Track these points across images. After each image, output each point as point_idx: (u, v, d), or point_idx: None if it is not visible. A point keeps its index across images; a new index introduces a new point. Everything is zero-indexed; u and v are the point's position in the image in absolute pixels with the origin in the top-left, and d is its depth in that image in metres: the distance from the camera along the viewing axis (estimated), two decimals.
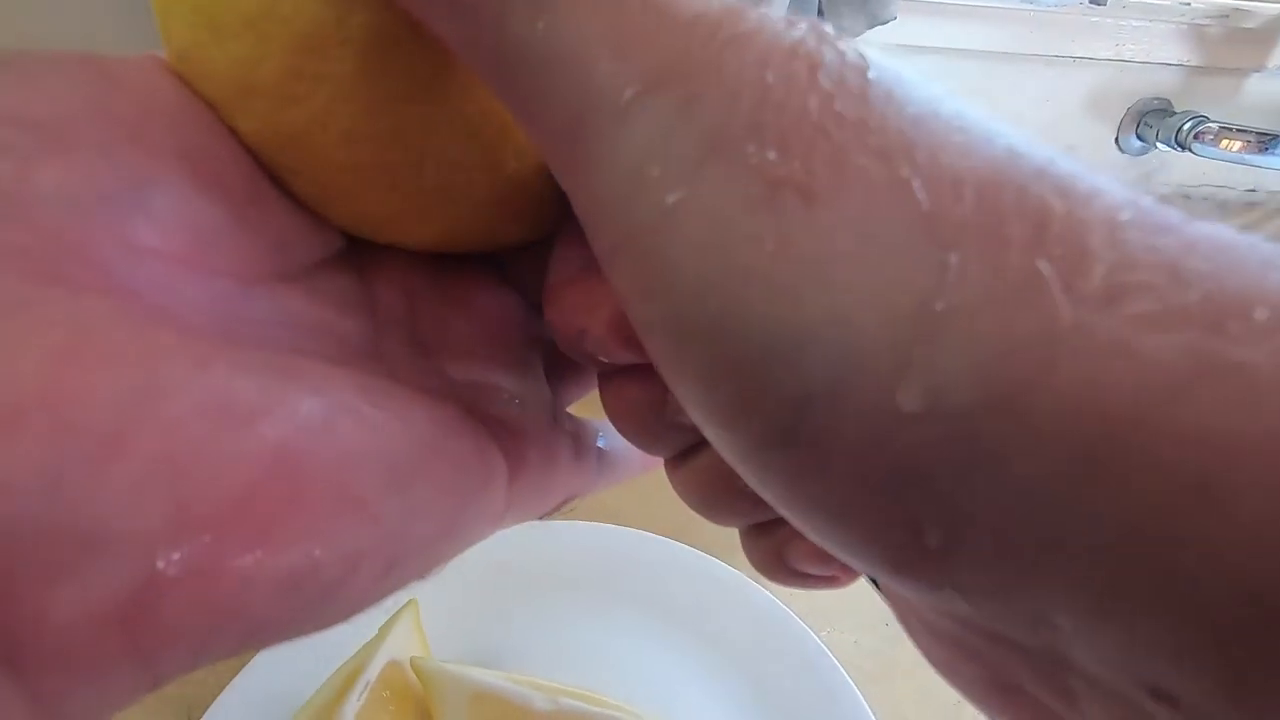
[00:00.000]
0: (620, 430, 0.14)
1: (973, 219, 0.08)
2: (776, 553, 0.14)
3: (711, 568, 0.34)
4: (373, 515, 0.10)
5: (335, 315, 0.13)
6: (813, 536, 0.10)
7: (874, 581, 0.12)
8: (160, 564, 0.09)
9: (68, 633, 0.08)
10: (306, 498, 0.10)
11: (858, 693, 0.29)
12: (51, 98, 0.10)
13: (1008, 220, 0.08)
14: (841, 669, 0.30)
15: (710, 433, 0.10)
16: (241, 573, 0.09)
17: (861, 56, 0.10)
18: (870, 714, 0.29)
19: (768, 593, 0.33)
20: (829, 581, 0.14)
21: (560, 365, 0.16)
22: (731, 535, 0.15)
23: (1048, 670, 0.09)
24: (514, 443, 0.13)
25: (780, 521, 0.13)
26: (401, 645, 0.31)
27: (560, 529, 0.36)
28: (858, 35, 0.53)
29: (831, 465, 0.09)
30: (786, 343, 0.08)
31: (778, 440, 0.09)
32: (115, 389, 0.09)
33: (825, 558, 0.13)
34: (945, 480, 0.08)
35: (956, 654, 0.11)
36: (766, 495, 0.10)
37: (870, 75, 0.09)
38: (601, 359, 0.13)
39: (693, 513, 0.15)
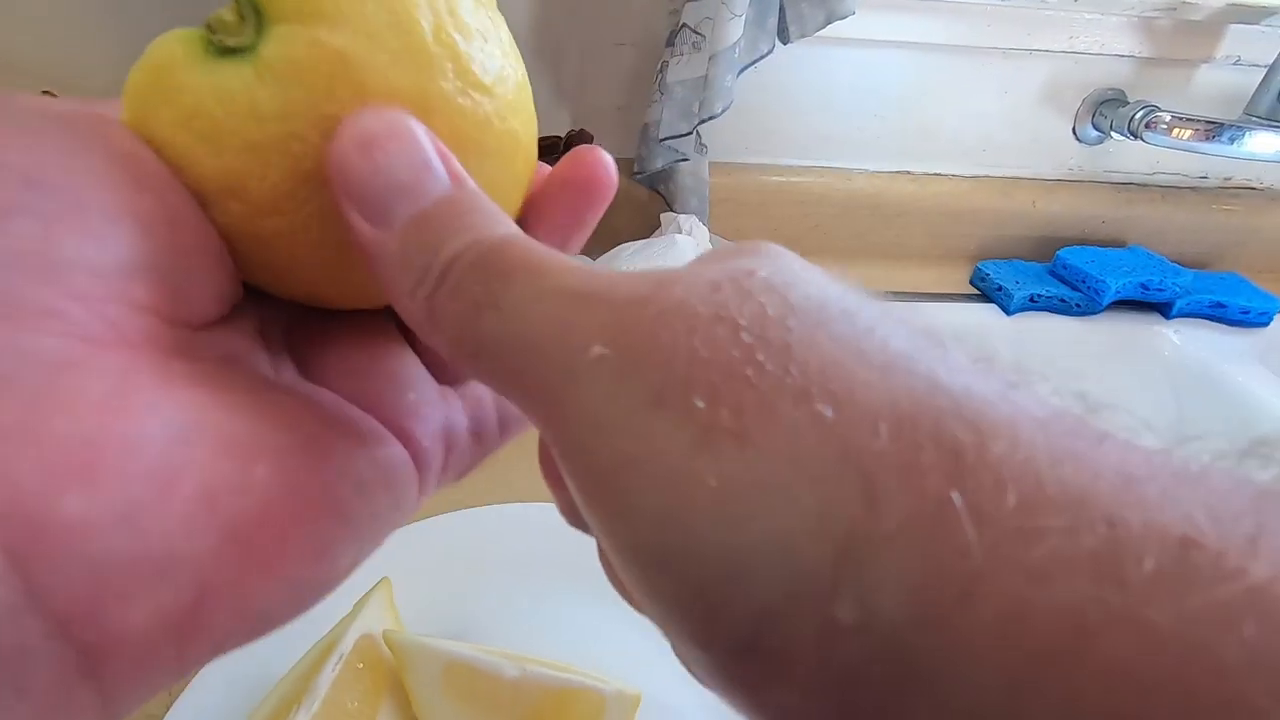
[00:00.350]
0: None
1: (890, 451, 0.09)
2: None
3: None
4: (346, 516, 0.13)
5: (248, 348, 0.14)
6: None
7: None
8: (210, 579, 0.11)
9: (141, 643, 0.10)
10: (306, 516, 0.12)
11: None
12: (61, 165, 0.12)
13: (924, 451, 0.09)
14: None
15: (681, 650, 0.11)
16: (266, 581, 0.12)
17: (784, 305, 0.11)
18: None
19: None
20: None
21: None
22: None
23: None
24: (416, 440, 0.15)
25: None
26: (375, 620, 0.31)
27: (531, 510, 0.37)
28: (817, 29, 0.54)
29: (790, 674, 0.10)
30: (738, 565, 0.10)
31: (740, 653, 0.10)
32: (157, 436, 0.11)
33: None
34: (884, 691, 0.09)
35: None
36: (735, 703, 0.11)
37: (790, 324, 0.11)
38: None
39: None
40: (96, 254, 0.11)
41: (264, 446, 0.12)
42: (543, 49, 0.60)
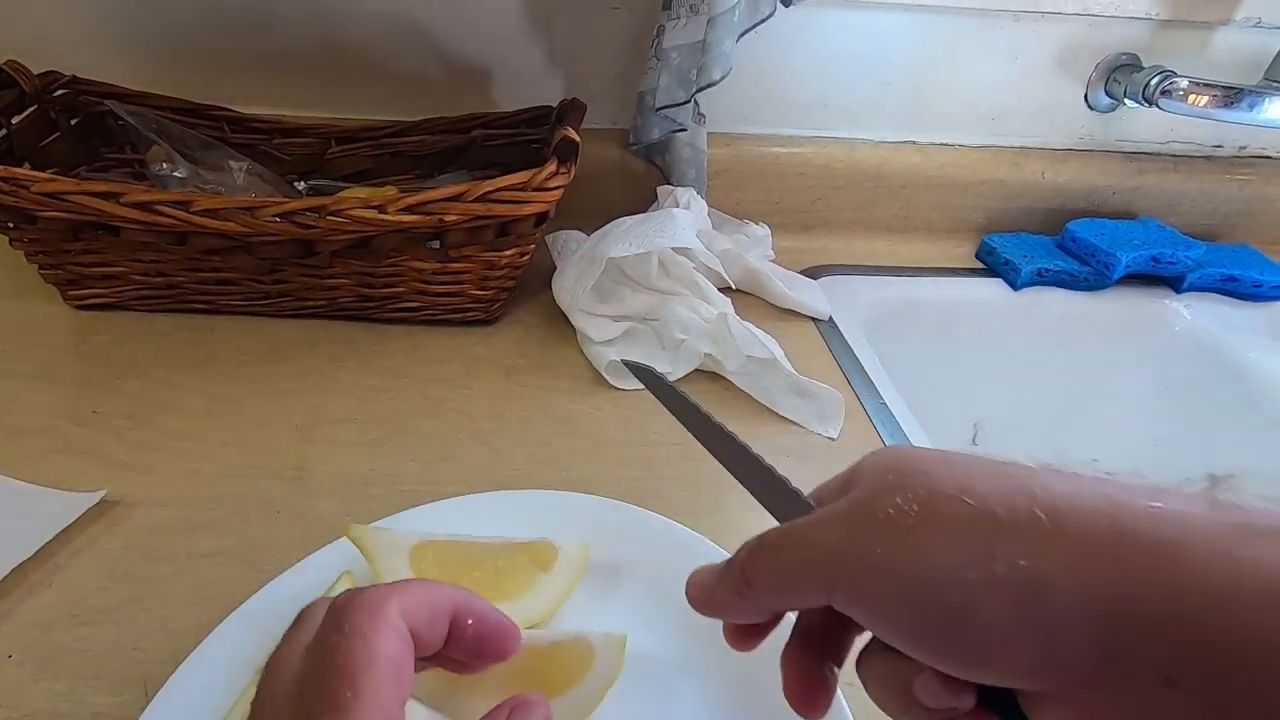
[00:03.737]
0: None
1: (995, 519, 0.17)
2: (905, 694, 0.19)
3: (647, 519, 0.36)
4: None
5: None
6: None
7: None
8: None
9: None
10: None
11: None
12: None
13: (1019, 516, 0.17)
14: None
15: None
16: None
17: (920, 471, 0.19)
18: None
19: (708, 541, 0.34)
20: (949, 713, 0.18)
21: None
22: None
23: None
24: None
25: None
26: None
27: (503, 498, 0.36)
28: None
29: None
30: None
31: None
32: None
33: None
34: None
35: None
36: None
37: (930, 474, 0.19)
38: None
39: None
40: None
41: None
42: (535, 13, 0.57)
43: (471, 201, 0.42)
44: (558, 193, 0.45)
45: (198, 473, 0.38)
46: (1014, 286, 0.63)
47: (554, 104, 0.57)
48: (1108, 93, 0.65)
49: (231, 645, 0.30)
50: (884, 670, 0.19)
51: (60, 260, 0.46)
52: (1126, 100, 0.63)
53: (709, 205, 0.59)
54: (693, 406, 0.26)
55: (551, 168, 0.44)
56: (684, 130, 0.57)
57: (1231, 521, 0.15)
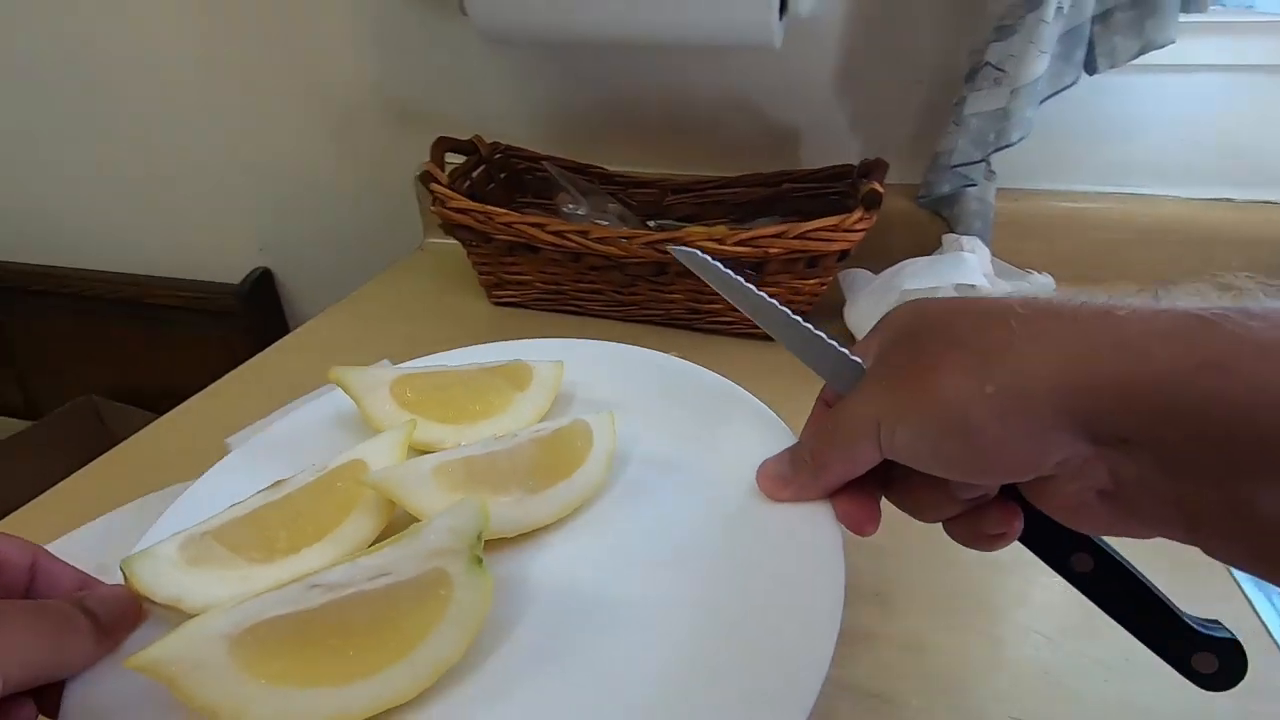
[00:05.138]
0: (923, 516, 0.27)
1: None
2: (976, 530, 0.25)
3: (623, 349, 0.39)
4: None
5: None
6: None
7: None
8: None
9: None
10: None
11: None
12: None
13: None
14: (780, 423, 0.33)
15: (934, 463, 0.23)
16: None
17: (960, 308, 0.24)
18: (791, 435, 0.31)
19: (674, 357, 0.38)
20: (1005, 538, 0.25)
21: None
22: None
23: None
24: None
25: (971, 514, 0.25)
26: (377, 454, 0.31)
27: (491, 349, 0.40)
28: (1130, 59, 0.55)
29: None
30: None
31: None
32: None
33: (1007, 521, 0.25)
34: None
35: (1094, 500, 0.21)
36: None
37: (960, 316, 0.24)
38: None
39: None
40: None
41: None
42: (844, 86, 0.68)
43: (792, 238, 0.53)
44: (861, 234, 0.54)
45: None
46: None
47: (853, 162, 0.67)
48: None
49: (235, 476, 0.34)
50: (920, 489, 0.25)
51: (495, 270, 0.65)
52: None
53: (992, 254, 0.64)
54: (743, 285, 0.30)
55: (859, 213, 0.53)
56: (974, 185, 0.63)
57: (1171, 316, 0.19)
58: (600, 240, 0.57)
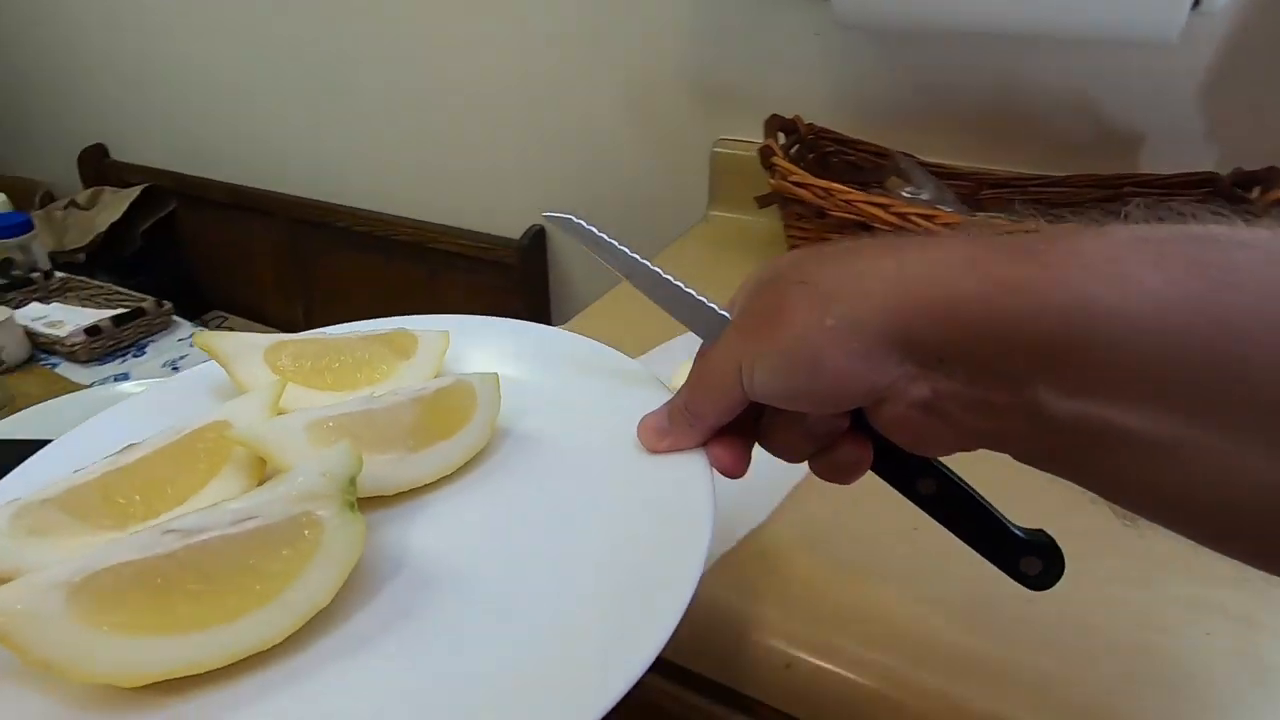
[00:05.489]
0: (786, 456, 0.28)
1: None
2: (834, 463, 0.27)
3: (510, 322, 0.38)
4: None
5: None
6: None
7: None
8: None
9: None
10: None
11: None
12: None
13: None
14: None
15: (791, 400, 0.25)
16: None
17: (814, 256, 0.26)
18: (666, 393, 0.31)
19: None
20: (859, 468, 0.27)
21: None
22: None
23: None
24: None
25: (827, 449, 0.27)
26: (245, 412, 0.29)
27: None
28: None
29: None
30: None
31: None
32: None
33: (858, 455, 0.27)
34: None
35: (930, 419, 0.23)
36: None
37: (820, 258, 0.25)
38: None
39: None
40: None
41: None
42: (1222, 86, 0.63)
43: None
44: None
45: None
46: None
47: (1209, 170, 0.62)
48: None
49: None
50: (782, 429, 0.27)
51: (810, 243, 0.67)
52: None
53: None
54: (615, 246, 0.30)
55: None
56: None
57: (974, 243, 0.21)
58: (944, 225, 0.57)
